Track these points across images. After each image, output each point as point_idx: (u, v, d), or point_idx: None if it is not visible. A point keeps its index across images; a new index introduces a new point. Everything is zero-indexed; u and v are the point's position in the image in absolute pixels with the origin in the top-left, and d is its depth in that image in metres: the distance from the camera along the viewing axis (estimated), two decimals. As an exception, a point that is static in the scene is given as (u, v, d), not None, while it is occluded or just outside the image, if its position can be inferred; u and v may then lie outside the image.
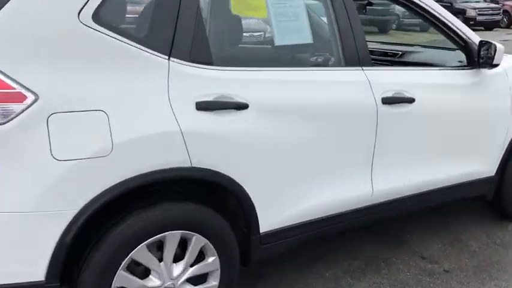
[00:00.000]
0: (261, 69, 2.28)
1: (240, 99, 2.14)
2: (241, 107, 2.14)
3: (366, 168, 2.64)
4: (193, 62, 2.08)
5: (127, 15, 2.30)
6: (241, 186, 2.20)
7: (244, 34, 3.01)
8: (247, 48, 2.68)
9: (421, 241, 3.28)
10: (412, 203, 2.93)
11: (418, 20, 14.05)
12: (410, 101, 2.70)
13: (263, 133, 2.21)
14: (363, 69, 2.59)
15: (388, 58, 3.70)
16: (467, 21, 17.79)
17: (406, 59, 3.64)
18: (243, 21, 2.68)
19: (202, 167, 2.07)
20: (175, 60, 2.03)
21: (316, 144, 2.40)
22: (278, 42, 2.39)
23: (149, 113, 1.94)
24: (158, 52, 2.00)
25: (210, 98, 2.07)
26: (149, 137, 1.92)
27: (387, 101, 2.60)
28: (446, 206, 3.57)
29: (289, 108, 2.29)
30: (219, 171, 2.12)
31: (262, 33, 5.59)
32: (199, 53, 2.11)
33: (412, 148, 2.80)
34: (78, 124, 1.81)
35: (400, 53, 3.74)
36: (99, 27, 1.89)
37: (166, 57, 2.02)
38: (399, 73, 2.83)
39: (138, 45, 1.96)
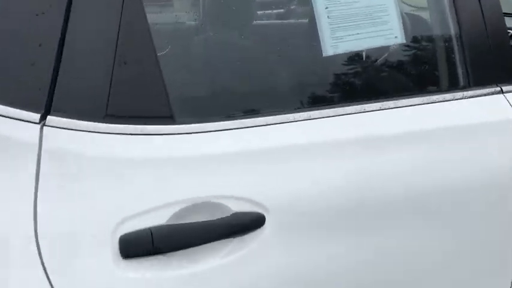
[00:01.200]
0: (290, 117, 0.95)
1: (246, 205, 0.84)
2: (251, 226, 0.84)
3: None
4: (115, 120, 0.79)
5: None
6: None
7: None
8: (259, 75, 1.20)
9: None
10: None
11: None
12: None
13: (298, 271, 0.91)
14: (502, 91, 1.26)
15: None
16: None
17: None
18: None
19: None
20: (59, 121, 0.75)
21: (406, 263, 1.09)
22: (331, 49, 1.03)
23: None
24: (11, 105, 0.72)
25: (162, 218, 0.78)
26: None
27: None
28: None
29: (352, 205, 0.97)
30: None
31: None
32: (136, 95, 0.82)
33: None
34: None
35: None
36: None
37: (36, 116, 0.74)
38: None
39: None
